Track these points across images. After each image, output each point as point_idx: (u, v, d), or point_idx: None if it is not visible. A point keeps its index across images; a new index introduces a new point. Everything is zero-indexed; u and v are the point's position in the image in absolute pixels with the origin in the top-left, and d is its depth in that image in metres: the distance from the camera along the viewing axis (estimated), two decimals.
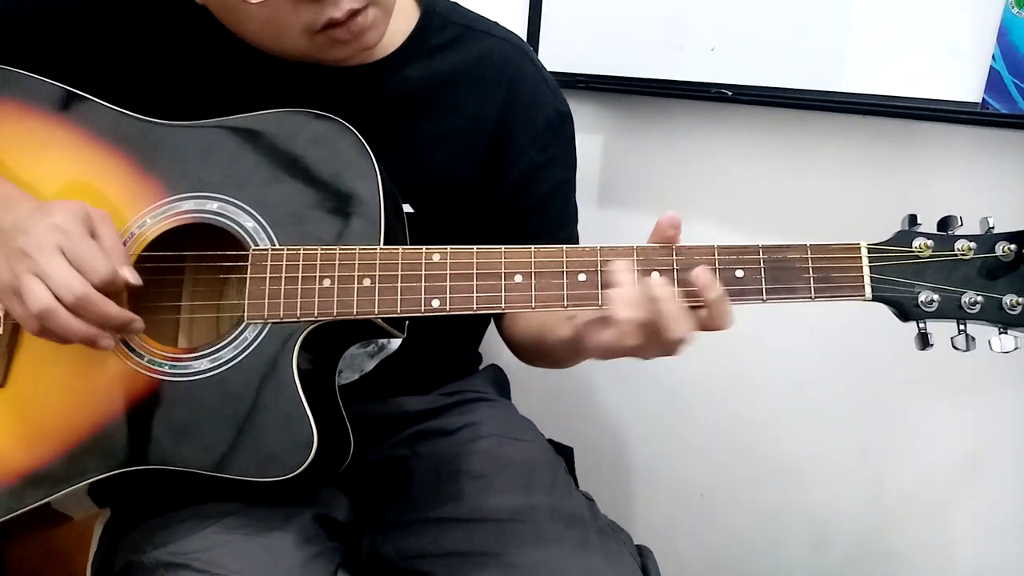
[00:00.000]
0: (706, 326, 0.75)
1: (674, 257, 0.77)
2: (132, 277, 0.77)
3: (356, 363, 1.01)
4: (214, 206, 0.84)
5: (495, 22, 1.03)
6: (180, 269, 0.90)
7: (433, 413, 1.05)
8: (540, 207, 1.02)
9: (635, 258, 0.78)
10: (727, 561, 1.28)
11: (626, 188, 1.33)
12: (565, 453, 1.06)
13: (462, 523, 0.93)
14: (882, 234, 1.00)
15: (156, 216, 0.85)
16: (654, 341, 0.73)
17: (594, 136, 1.31)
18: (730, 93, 1.15)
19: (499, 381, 1.18)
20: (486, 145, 0.98)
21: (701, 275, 0.74)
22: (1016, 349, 0.76)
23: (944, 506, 1.13)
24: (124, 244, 0.83)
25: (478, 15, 1.03)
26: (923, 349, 0.77)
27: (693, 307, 0.75)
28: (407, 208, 0.94)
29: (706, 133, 1.25)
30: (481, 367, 1.18)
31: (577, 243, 1.06)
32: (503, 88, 0.98)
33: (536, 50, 1.35)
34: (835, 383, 1.18)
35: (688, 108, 1.22)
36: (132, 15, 0.91)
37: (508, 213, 1.01)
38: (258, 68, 0.90)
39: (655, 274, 0.75)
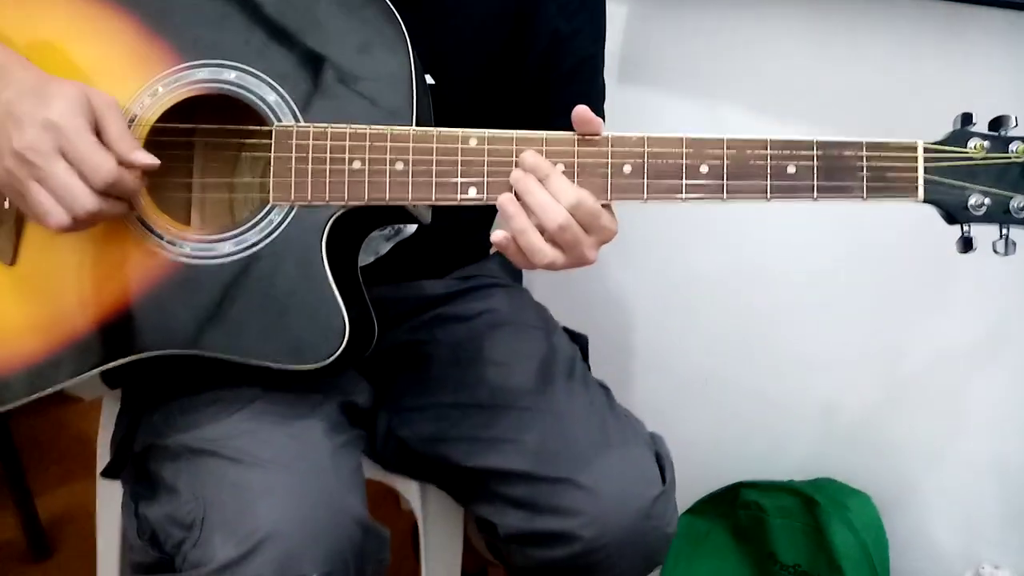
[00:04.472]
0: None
1: (724, 150, 0.74)
2: (147, 159, 0.72)
3: (372, 246, 0.98)
4: (232, 76, 0.78)
5: None
6: (190, 143, 0.85)
7: (450, 298, 1.04)
8: (565, 80, 0.98)
9: (683, 149, 0.75)
10: (732, 445, 1.32)
11: (650, 65, 1.27)
12: (580, 342, 1.06)
13: (481, 408, 0.93)
14: (925, 127, 0.98)
15: (168, 85, 0.79)
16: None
17: (619, 6, 1.24)
18: None
19: (512, 265, 1.16)
20: (512, 12, 0.93)
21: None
22: None
23: (952, 398, 1.16)
24: (132, 120, 0.77)
25: None
26: (964, 252, 0.77)
27: None
28: (428, 79, 0.89)
29: (744, 11, 1.18)
30: (493, 250, 1.16)
31: (602, 117, 1.03)
32: None
33: None
34: (847, 274, 1.18)
35: None
36: None
37: (531, 85, 0.97)
38: None
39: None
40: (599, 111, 1.02)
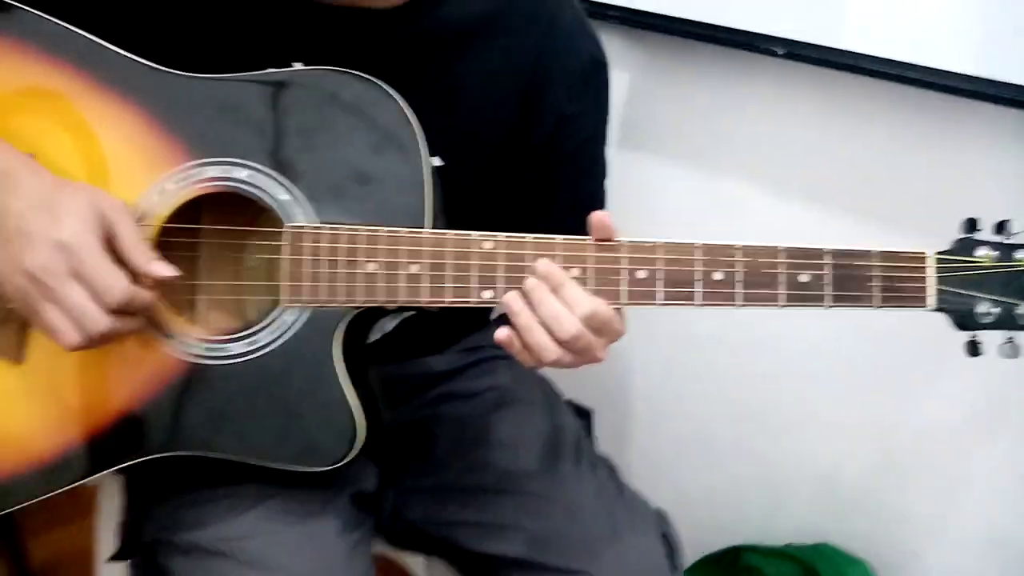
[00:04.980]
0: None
1: (738, 259, 0.75)
2: (166, 270, 0.72)
3: (378, 324, 0.98)
4: (243, 174, 0.78)
5: None
6: (198, 240, 0.84)
7: (454, 374, 1.04)
8: (568, 159, 0.98)
9: (697, 257, 0.75)
10: (730, 506, 1.32)
11: (649, 132, 1.28)
12: (584, 416, 1.06)
13: (486, 492, 0.93)
14: (924, 215, 0.99)
15: (178, 182, 0.78)
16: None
17: (621, 73, 1.24)
18: (781, 52, 1.09)
19: None
20: (520, 92, 0.93)
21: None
22: None
23: (951, 468, 1.17)
24: (141, 217, 0.76)
25: None
26: (973, 356, 0.78)
27: None
28: (436, 161, 0.89)
29: (744, 85, 1.19)
30: (492, 317, 1.16)
31: (602, 200, 1.03)
32: (539, 32, 0.93)
33: None
34: (849, 342, 1.18)
35: (727, 56, 1.16)
36: None
37: (535, 164, 0.97)
38: (284, 9, 0.82)
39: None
40: (600, 189, 1.03)
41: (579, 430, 1.02)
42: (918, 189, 1.10)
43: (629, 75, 1.26)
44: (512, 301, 0.74)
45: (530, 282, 0.74)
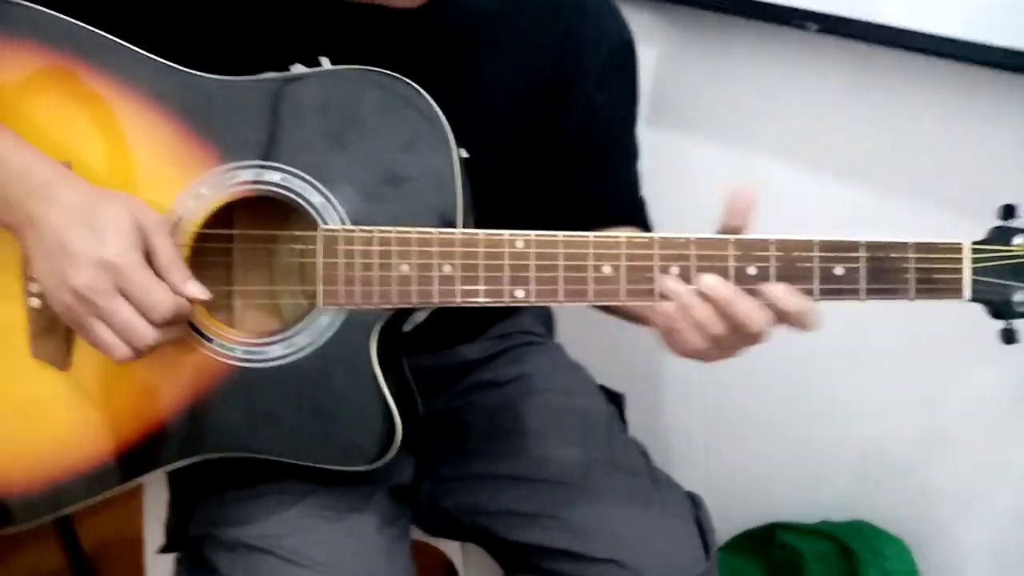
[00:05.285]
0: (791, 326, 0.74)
1: (772, 252, 0.74)
2: (199, 293, 0.73)
3: (411, 316, 0.99)
4: (276, 177, 0.78)
5: None
6: (232, 244, 0.85)
7: (485, 362, 1.05)
8: (602, 148, 0.98)
9: (731, 252, 0.75)
10: (767, 483, 1.33)
11: (678, 109, 1.27)
12: (616, 401, 1.06)
13: (519, 481, 0.94)
14: (962, 194, 0.97)
15: (212, 187, 0.79)
16: (735, 342, 0.74)
17: (648, 49, 1.22)
18: (816, 28, 1.06)
19: (545, 316, 1.17)
20: (547, 80, 0.93)
21: (774, 292, 0.72)
22: None
23: (989, 447, 1.17)
24: (177, 222, 0.77)
25: None
26: (1008, 344, 0.77)
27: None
28: (462, 153, 0.89)
29: (776, 61, 1.17)
30: None
31: (637, 182, 1.03)
32: (565, 20, 0.92)
33: None
34: (887, 318, 1.18)
35: (760, 32, 1.14)
36: None
37: (568, 155, 0.97)
38: (309, 10, 0.82)
39: (710, 279, 0.72)
40: (635, 172, 1.03)
41: (611, 415, 1.03)
42: (956, 166, 1.08)
43: (657, 51, 1.25)
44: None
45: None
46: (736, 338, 0.74)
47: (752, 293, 0.73)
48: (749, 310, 0.72)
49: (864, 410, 1.24)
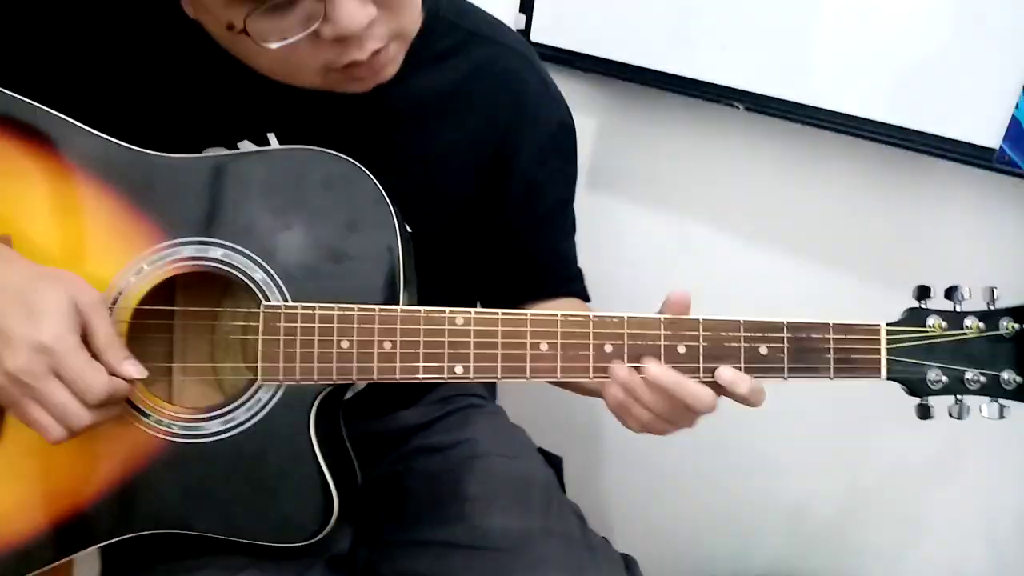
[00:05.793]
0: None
1: (700, 332, 0.78)
2: (136, 372, 0.73)
3: (353, 384, 0.99)
4: (218, 253, 0.79)
5: (500, 23, 0.98)
6: (172, 319, 0.85)
7: (428, 426, 1.06)
8: (540, 223, 1.01)
9: (662, 331, 0.78)
10: (703, 541, 1.36)
11: (616, 175, 1.31)
12: (555, 464, 1.08)
13: (459, 549, 0.95)
14: (879, 264, 1.01)
15: (154, 262, 0.79)
16: (684, 418, 0.78)
17: (587, 119, 1.27)
18: (741, 107, 1.12)
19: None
20: (488, 159, 0.95)
21: (724, 374, 0.76)
22: (1002, 419, 0.81)
23: (912, 506, 1.21)
24: (117, 298, 0.77)
25: (483, 15, 0.97)
26: (923, 419, 0.81)
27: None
28: (406, 228, 0.91)
29: (707, 134, 1.23)
30: None
31: (574, 255, 1.06)
32: (507, 101, 0.95)
33: (529, 22, 1.29)
34: (813, 385, 1.23)
35: (690, 105, 1.19)
36: (115, 29, 0.82)
37: (508, 229, 0.99)
38: (258, 88, 0.83)
39: (655, 368, 0.76)
40: (572, 245, 1.06)
41: (548, 478, 1.04)
42: (879, 239, 1.13)
43: (596, 121, 1.29)
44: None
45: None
46: (685, 415, 0.78)
47: (705, 379, 0.77)
48: (696, 392, 0.76)
49: (792, 472, 1.28)
